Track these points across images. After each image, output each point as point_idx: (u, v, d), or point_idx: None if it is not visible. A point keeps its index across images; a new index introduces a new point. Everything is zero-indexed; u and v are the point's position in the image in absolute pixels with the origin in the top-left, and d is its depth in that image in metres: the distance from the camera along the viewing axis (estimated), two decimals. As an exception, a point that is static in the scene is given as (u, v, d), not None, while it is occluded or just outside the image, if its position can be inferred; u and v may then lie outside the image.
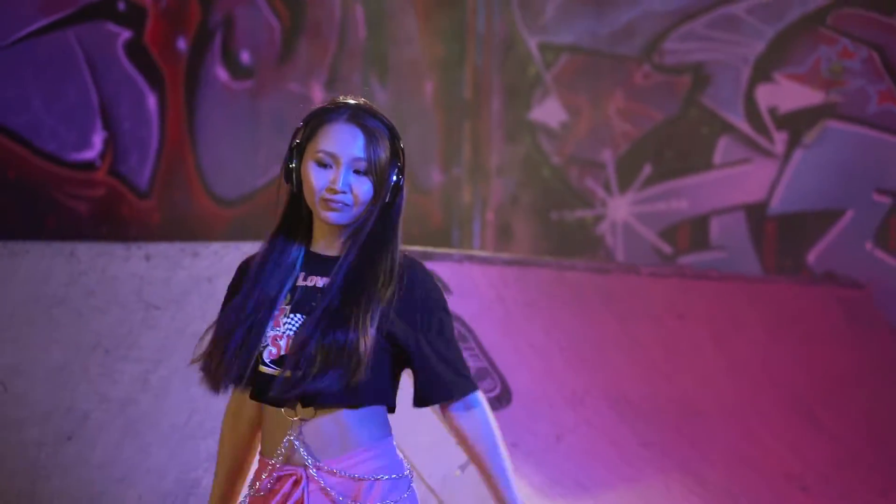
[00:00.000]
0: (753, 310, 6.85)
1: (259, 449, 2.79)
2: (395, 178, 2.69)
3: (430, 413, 4.55)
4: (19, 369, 4.60)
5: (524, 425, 4.82)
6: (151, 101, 7.06)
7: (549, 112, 9.54)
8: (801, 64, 8.59)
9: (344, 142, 2.64)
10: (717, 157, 8.87)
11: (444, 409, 2.72)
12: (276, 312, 2.66)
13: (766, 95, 8.71)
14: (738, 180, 8.78)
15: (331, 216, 2.64)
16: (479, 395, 2.74)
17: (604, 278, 6.13)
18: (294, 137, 2.71)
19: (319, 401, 2.62)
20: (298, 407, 2.64)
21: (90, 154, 6.66)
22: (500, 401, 4.82)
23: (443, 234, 9.48)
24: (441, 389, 2.69)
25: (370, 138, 2.66)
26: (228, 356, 2.66)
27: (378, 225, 2.70)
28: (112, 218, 6.74)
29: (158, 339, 4.50)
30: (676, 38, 9.02)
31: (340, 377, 2.57)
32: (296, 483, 2.65)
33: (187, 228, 7.20)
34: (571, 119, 9.44)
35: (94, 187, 6.67)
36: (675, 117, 9.04)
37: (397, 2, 9.04)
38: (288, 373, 2.59)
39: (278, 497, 2.65)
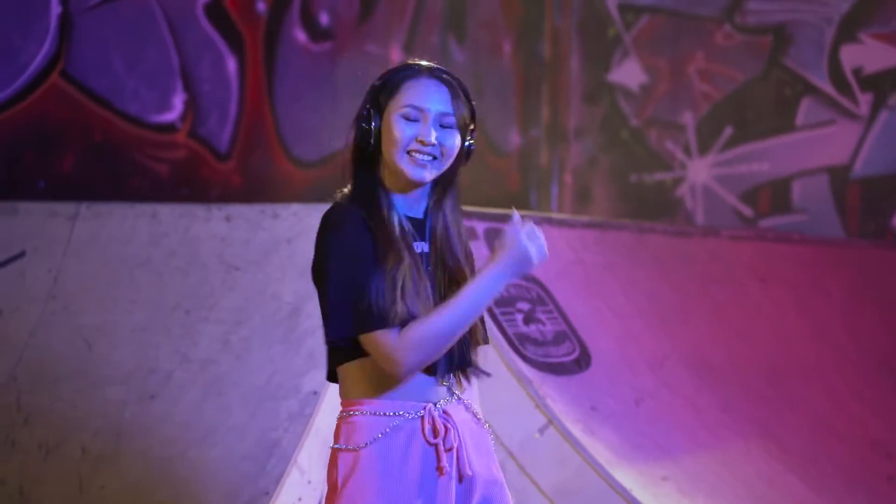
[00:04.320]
0: (836, 274, 6.76)
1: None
2: (469, 141, 2.70)
3: (509, 376, 4.55)
4: (103, 329, 4.66)
5: (604, 389, 4.81)
6: (231, 63, 7.09)
7: (628, 73, 9.45)
8: (888, 23, 8.44)
9: (430, 95, 2.63)
10: (800, 119, 8.74)
11: None
12: (426, 277, 2.66)
13: (850, 56, 8.57)
14: (820, 143, 8.66)
15: (417, 172, 2.62)
16: None
17: (684, 241, 6.09)
18: (368, 98, 2.69)
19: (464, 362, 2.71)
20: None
21: (171, 116, 6.72)
22: (580, 364, 4.81)
23: (521, 196, 9.44)
24: None
25: (454, 93, 2.66)
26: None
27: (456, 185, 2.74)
28: (193, 180, 6.79)
29: (239, 301, 4.54)
30: (759, -3, 8.90)
31: (477, 339, 2.71)
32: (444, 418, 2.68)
33: (267, 190, 7.23)
34: (651, 80, 9.35)
35: (174, 149, 6.73)
36: (756, 78, 8.91)
37: (476, -38, 8.99)
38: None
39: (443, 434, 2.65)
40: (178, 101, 6.76)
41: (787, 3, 8.79)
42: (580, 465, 4.39)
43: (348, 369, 2.67)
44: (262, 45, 7.31)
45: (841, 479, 5.16)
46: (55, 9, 6.05)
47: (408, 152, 2.62)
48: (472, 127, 2.71)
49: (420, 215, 2.71)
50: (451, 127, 2.65)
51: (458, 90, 2.67)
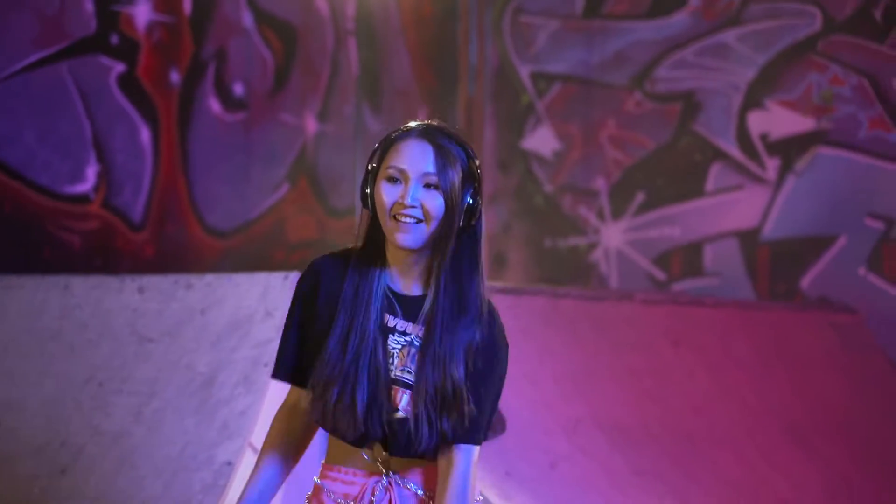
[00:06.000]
0: (747, 336, 6.86)
1: (326, 457, 2.75)
2: (470, 199, 2.62)
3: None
4: (13, 403, 4.61)
5: (518, 453, 4.83)
6: (145, 133, 7.08)
7: (541, 140, 9.57)
8: (793, 91, 8.63)
9: (413, 156, 2.60)
10: (710, 184, 8.89)
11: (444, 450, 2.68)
12: (381, 355, 2.61)
13: (757, 122, 8.75)
14: (730, 207, 8.81)
15: (401, 237, 2.58)
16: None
17: (597, 305, 6.15)
18: (369, 162, 2.67)
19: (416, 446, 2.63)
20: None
21: (84, 187, 6.68)
22: (494, 429, 4.82)
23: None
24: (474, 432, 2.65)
25: (440, 152, 2.60)
26: (361, 410, 2.59)
27: (459, 256, 2.63)
28: (106, 251, 6.75)
29: (152, 372, 4.52)
30: (667, 66, 9.06)
31: (448, 429, 2.59)
32: (385, 489, 2.66)
33: (181, 260, 7.21)
34: (564, 147, 9.47)
35: (87, 220, 6.69)
36: (667, 145, 9.06)
37: (389, 33, 9.08)
38: (416, 416, 2.59)
39: (366, 499, 2.65)
40: (91, 171, 6.73)
41: (695, 71, 8.97)
42: (496, 533, 4.41)
43: None
44: (176, 115, 7.31)
45: (753, 539, 5.21)
46: (-35, 81, 6.04)
47: (393, 216, 2.60)
48: (475, 185, 2.64)
49: (416, 291, 2.67)
50: (434, 187, 2.59)
51: (446, 150, 2.61)
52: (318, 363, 2.62)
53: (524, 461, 4.77)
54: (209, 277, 4.67)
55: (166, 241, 7.18)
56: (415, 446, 2.61)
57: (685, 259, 8.95)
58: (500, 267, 9.64)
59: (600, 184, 9.30)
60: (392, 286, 2.67)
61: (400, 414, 2.62)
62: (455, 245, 2.62)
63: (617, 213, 9.23)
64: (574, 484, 4.86)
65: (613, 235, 9.23)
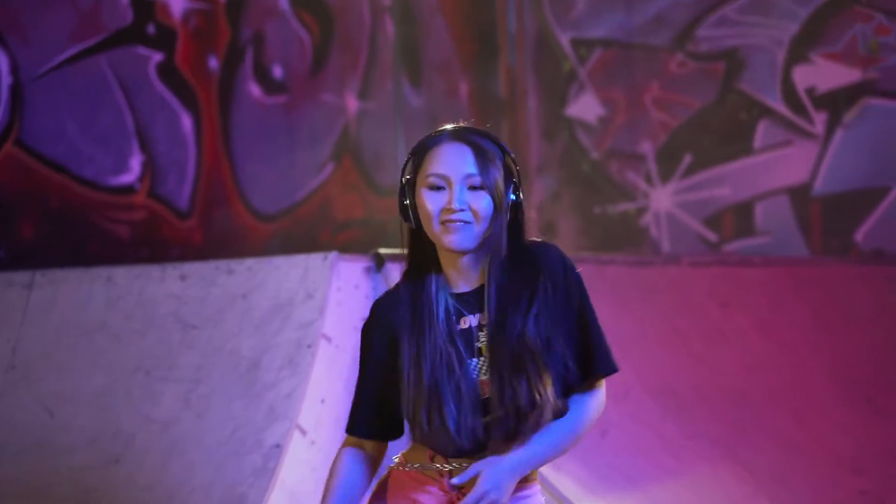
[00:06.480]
0: (799, 294, 6.79)
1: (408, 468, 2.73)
2: (512, 195, 2.61)
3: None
4: (64, 396, 4.66)
5: (568, 423, 4.80)
6: (186, 121, 7.11)
7: (585, 107, 9.51)
8: (837, 42, 8.51)
9: (452, 160, 2.58)
10: (758, 142, 8.80)
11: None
12: (456, 364, 2.59)
13: (803, 76, 8.64)
14: (779, 163, 8.71)
15: (452, 240, 2.57)
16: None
17: (644, 271, 6.11)
18: (403, 173, 2.65)
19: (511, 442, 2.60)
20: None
21: (129, 178, 6.72)
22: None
23: (486, 235, 9.47)
24: (597, 363, 2.70)
25: (479, 152, 2.59)
26: (453, 429, 2.57)
27: (509, 248, 2.62)
28: (153, 240, 6.79)
29: (197, 358, 4.54)
30: (709, 25, 8.96)
31: (535, 418, 2.57)
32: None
33: (229, 246, 7.24)
34: (608, 113, 9.40)
35: (134, 211, 6.73)
36: (712, 104, 8.97)
37: (425, 7, 9.05)
38: (494, 422, 2.57)
39: None
40: (136, 162, 6.77)
41: (737, 28, 8.87)
42: (548, 502, 4.39)
43: None
44: (217, 102, 7.33)
45: (811, 497, 5.16)
46: (5, 79, 6.07)
47: (441, 223, 2.57)
48: (514, 180, 2.63)
49: (472, 287, 2.66)
50: (479, 188, 2.57)
51: (483, 148, 2.59)
52: (402, 394, 2.61)
53: (574, 430, 4.74)
54: (249, 262, 4.69)
55: (213, 228, 7.21)
56: (519, 425, 2.59)
57: (736, 219, 8.87)
58: (550, 236, 9.58)
59: (647, 147, 9.23)
60: (455, 291, 2.66)
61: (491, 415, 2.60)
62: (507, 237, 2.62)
63: (665, 176, 9.16)
64: (626, 451, 4.84)
65: (663, 199, 9.17)
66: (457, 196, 2.56)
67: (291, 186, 7.83)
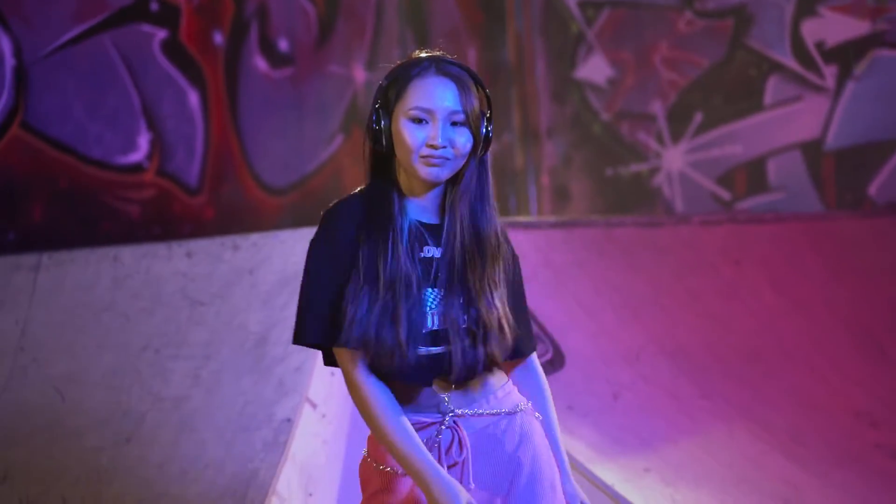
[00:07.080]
0: (812, 248, 6.75)
1: None
2: (485, 129, 2.62)
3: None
4: (74, 377, 4.66)
5: (579, 386, 4.80)
6: (193, 97, 7.09)
7: (594, 69, 9.46)
8: (845, -5, 8.45)
9: (437, 95, 2.58)
10: (768, 98, 8.75)
11: (510, 366, 2.79)
12: (414, 286, 2.59)
13: (812, 30, 8.57)
14: (791, 119, 8.66)
15: (432, 172, 2.58)
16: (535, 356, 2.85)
17: (654, 231, 6.08)
18: (377, 97, 2.64)
19: (473, 372, 2.64)
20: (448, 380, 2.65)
21: (137, 156, 6.71)
22: (553, 364, 4.80)
23: (499, 202, 9.43)
24: (528, 343, 2.78)
25: (462, 88, 2.60)
26: (404, 337, 2.56)
27: (469, 183, 2.64)
28: (164, 218, 6.79)
29: (206, 335, 4.54)
30: (716, -19, 8.91)
31: (494, 347, 2.61)
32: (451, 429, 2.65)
33: (240, 221, 7.23)
34: (617, 74, 9.36)
35: (144, 189, 6.73)
36: (721, 62, 8.92)
37: (431, -27, 9.01)
38: (451, 351, 2.59)
39: (443, 447, 2.64)
40: (143, 140, 6.76)
41: (745, -16, 8.81)
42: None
43: None
44: (223, 77, 7.31)
45: (827, 452, 5.14)
46: (9, 61, 6.05)
47: (420, 156, 2.58)
48: (487, 114, 2.64)
49: (436, 220, 2.66)
50: (461, 124, 2.59)
51: (466, 83, 2.61)
52: (354, 300, 2.57)
53: (586, 394, 4.74)
54: (255, 237, 4.68)
55: (224, 203, 7.21)
56: (468, 372, 2.64)
57: (749, 176, 8.83)
58: (563, 200, 9.58)
59: (657, 107, 9.18)
60: (420, 219, 2.65)
61: (441, 348, 2.62)
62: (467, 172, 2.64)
63: (676, 136, 9.11)
64: (639, 412, 4.82)
65: (675, 158, 9.12)
66: (441, 132, 2.57)
67: (301, 160, 7.81)
